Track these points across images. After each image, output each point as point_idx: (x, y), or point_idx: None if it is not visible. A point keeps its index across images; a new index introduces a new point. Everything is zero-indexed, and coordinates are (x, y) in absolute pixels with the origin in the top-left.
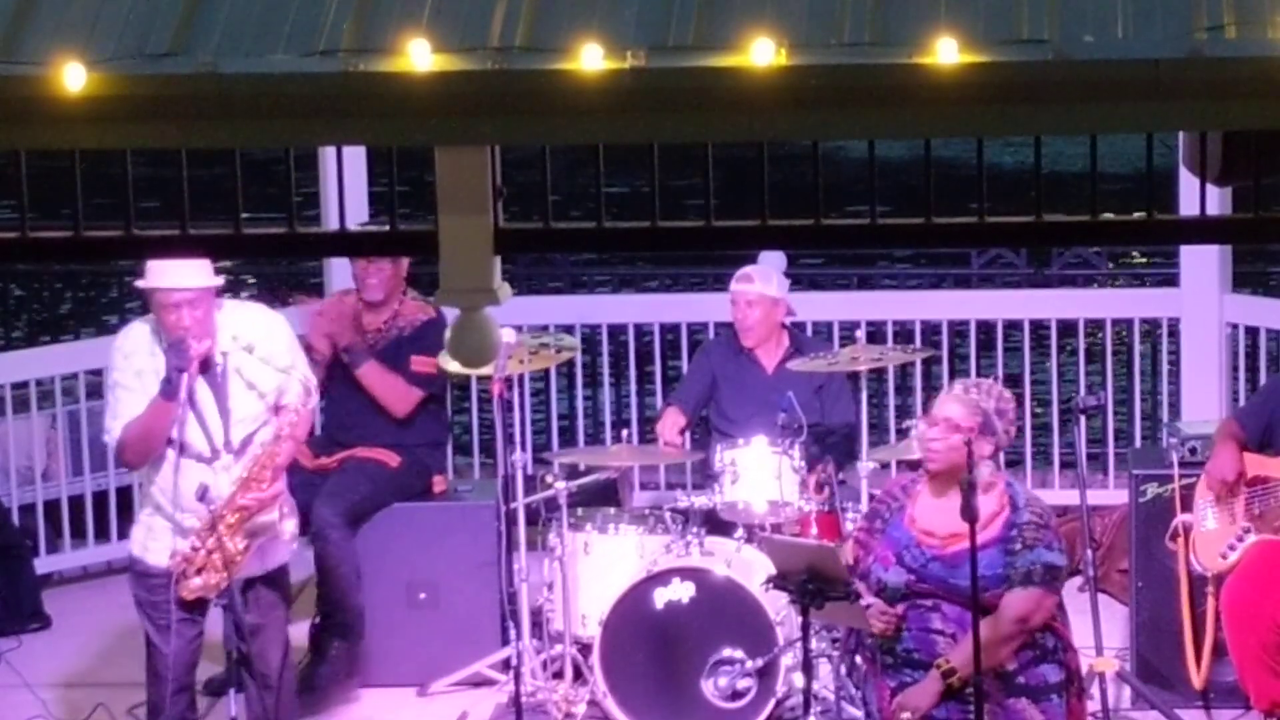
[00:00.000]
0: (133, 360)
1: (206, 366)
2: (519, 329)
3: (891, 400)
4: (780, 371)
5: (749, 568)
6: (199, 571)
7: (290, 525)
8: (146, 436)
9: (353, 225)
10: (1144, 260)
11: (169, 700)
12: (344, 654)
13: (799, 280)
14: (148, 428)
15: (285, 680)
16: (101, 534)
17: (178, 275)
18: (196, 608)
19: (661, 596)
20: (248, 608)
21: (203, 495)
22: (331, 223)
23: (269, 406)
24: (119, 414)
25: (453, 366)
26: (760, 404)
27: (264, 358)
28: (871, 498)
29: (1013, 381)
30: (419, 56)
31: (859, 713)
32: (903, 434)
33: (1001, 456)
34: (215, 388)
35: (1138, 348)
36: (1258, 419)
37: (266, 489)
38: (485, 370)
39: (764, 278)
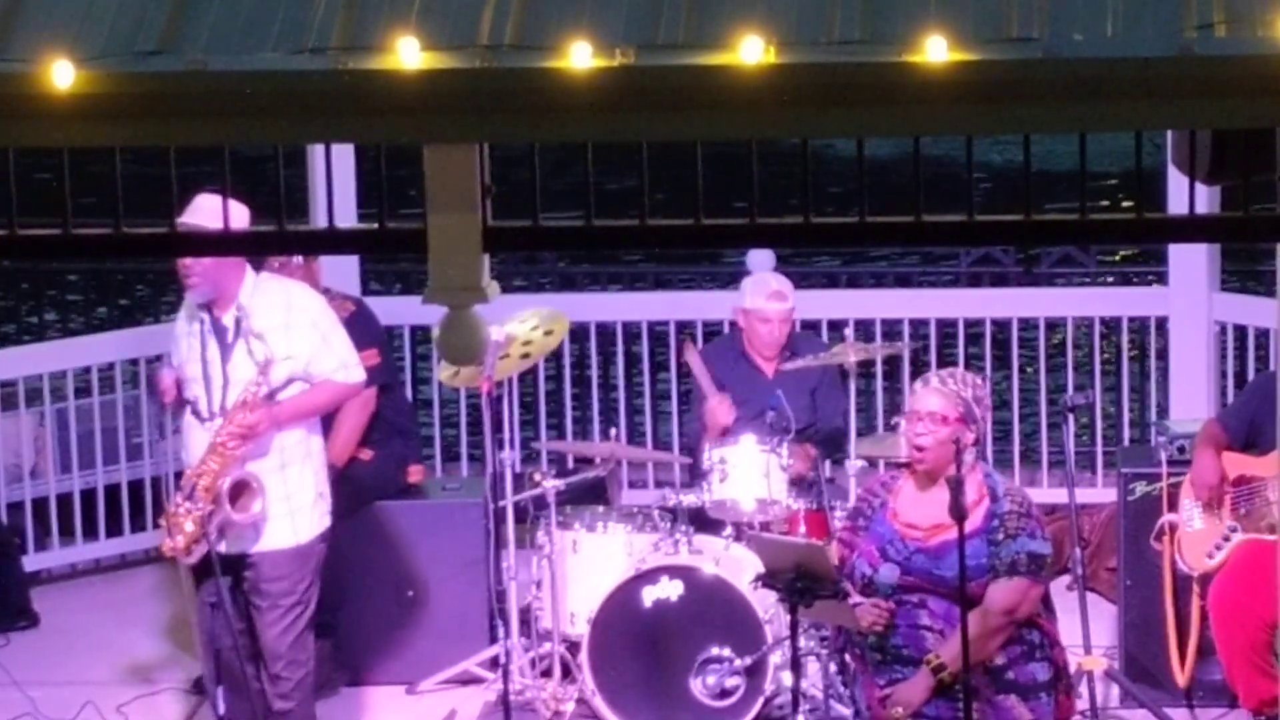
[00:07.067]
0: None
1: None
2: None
3: (880, 395)
4: (779, 374)
5: (737, 566)
6: (170, 533)
7: (257, 505)
8: None
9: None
10: (1116, 258)
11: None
12: (324, 652)
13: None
14: None
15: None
16: (90, 532)
17: (196, 216)
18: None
19: (650, 594)
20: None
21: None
22: (320, 220)
23: (263, 373)
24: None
25: (442, 369)
26: (760, 407)
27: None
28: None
29: (1001, 380)
30: (408, 54)
31: (847, 711)
32: (891, 429)
33: (987, 447)
34: (223, 350)
35: (1126, 346)
36: (1242, 418)
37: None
38: (473, 380)
39: (790, 291)
